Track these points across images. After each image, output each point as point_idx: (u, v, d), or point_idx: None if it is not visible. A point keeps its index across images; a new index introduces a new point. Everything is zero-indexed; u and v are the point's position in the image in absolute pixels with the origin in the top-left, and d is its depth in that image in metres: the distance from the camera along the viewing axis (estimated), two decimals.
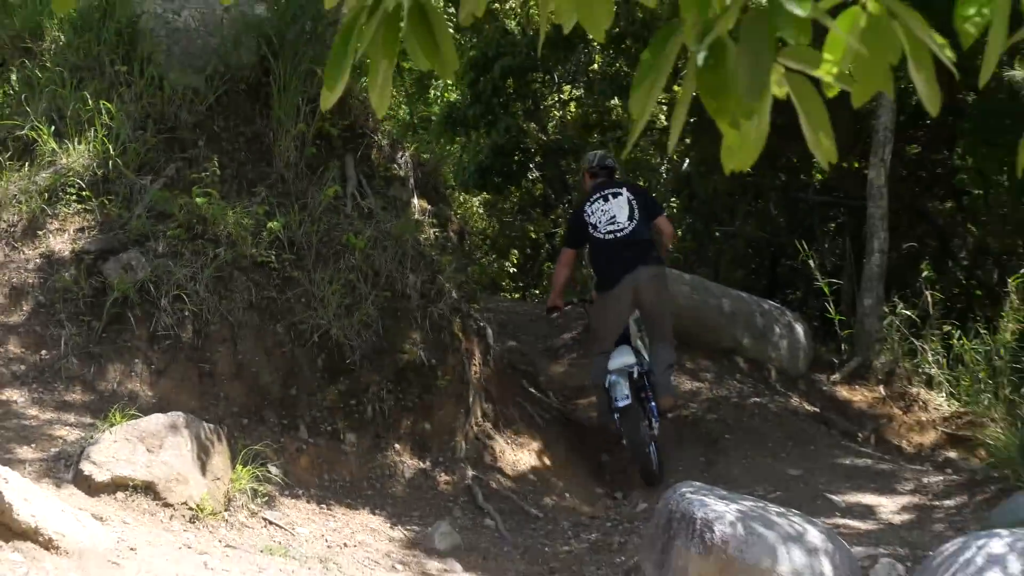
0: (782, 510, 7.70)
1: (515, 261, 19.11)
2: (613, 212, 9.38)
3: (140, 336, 8.69)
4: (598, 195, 9.45)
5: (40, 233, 9.01)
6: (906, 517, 9.34)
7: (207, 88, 9.73)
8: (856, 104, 2.45)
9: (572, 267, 10.22)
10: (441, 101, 20.30)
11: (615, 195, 9.40)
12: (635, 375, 9.08)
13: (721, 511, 7.17)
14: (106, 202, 9.07)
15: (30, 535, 6.29)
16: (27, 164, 9.26)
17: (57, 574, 6.31)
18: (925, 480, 10.13)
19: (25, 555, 6.32)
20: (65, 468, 7.53)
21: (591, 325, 10.48)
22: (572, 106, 19.17)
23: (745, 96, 2.17)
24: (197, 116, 9.69)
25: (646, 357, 9.39)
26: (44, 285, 8.82)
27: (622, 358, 9.09)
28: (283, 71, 9.67)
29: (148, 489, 7.47)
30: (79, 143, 9.24)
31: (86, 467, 7.33)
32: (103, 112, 9.26)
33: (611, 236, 9.32)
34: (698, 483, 8.04)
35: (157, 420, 7.71)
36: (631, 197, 9.37)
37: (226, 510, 7.69)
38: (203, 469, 7.68)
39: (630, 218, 9.29)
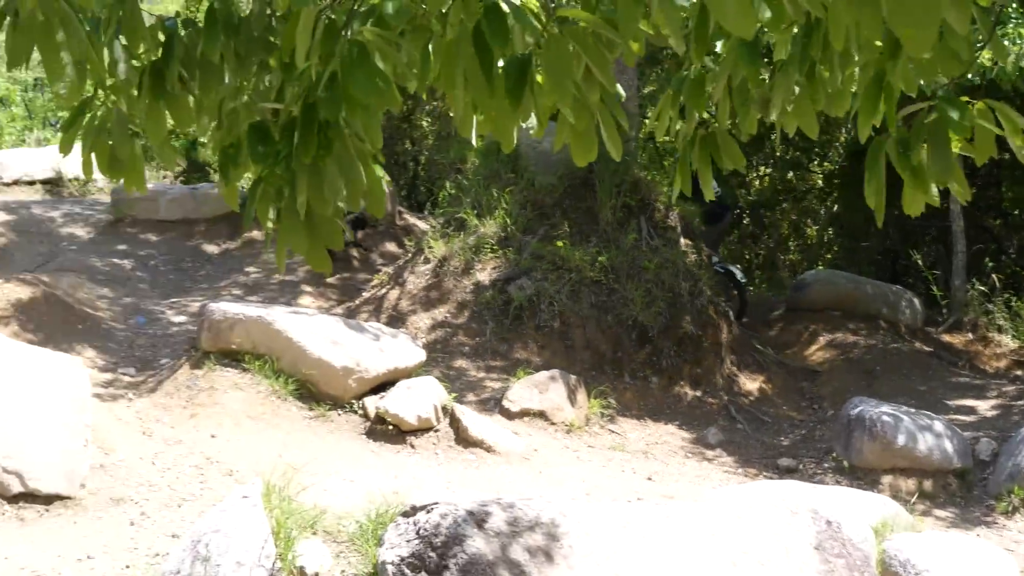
0: (917, 411, 10.74)
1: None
2: None
3: (530, 327, 11.96)
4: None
5: (471, 271, 12.57)
6: (994, 413, 12.09)
7: (559, 183, 13.02)
8: (979, 163, 3.43)
9: None
10: None
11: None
12: None
13: (880, 412, 10.22)
14: (507, 252, 12.53)
15: (478, 444, 9.31)
16: (462, 233, 12.91)
17: (494, 464, 9.08)
18: (1004, 389, 12.97)
19: (475, 455, 9.18)
20: (493, 405, 10.41)
21: None
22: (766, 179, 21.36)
23: (938, 177, 3.19)
24: (554, 199, 13.00)
25: None
26: (476, 300, 12.30)
27: None
28: (601, 171, 12.72)
29: (541, 415, 10.27)
30: (490, 219, 12.83)
31: (505, 403, 10.34)
32: (502, 200, 12.79)
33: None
34: (865, 397, 11.06)
35: (543, 374, 10.70)
36: None
37: (586, 425, 10.54)
38: (572, 402, 10.41)
39: None
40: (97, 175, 13.63)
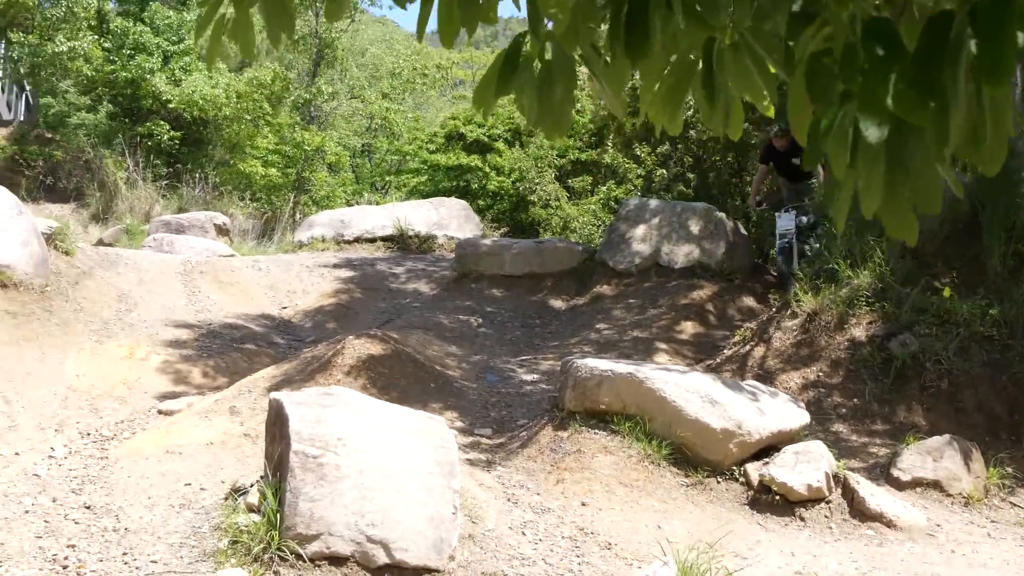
0: None
1: None
2: None
3: (914, 387, 11.08)
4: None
5: (845, 326, 11.79)
6: None
7: (940, 229, 12.09)
8: None
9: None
10: None
11: None
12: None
13: None
14: (884, 305, 11.69)
15: (876, 518, 8.53)
16: (833, 285, 12.09)
17: (897, 542, 8.22)
18: None
19: (874, 531, 8.39)
20: (879, 474, 9.63)
21: None
22: None
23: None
24: (935, 247, 12.11)
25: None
26: (851, 357, 11.51)
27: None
28: (990, 214, 11.82)
29: (935, 485, 9.48)
30: (863, 270, 11.96)
31: (894, 472, 9.59)
32: (877, 249, 11.90)
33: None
34: None
35: (936, 440, 9.81)
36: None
37: (985, 498, 9.61)
38: (968, 470, 9.59)
39: None
40: (435, 231, 13.37)
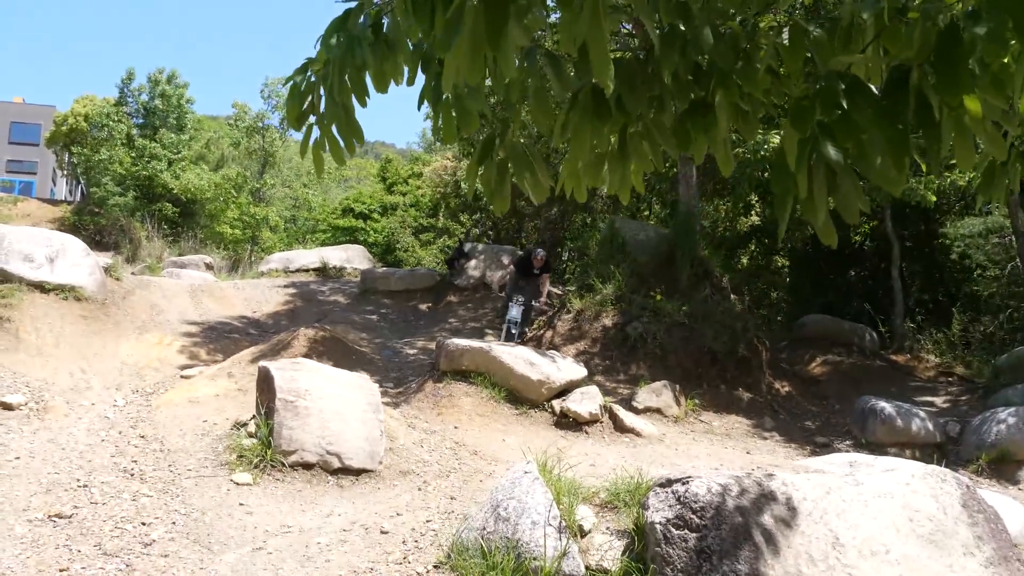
0: (906, 404, 9.56)
1: None
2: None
3: (641, 353, 10.83)
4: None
5: (599, 318, 11.47)
6: (947, 405, 11.18)
7: (651, 259, 12.02)
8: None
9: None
10: None
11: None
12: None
13: (883, 405, 9.27)
14: (622, 305, 11.42)
15: (630, 431, 8.33)
16: (590, 293, 11.75)
17: (643, 444, 8.04)
18: (949, 390, 11.95)
19: (630, 439, 8.24)
20: (625, 405, 9.19)
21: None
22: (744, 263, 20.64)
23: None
24: (650, 270, 11.92)
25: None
26: (604, 337, 11.19)
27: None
28: (681, 252, 11.94)
29: (658, 411, 9.40)
30: (609, 284, 11.69)
31: (635, 403, 9.40)
32: (616, 272, 11.59)
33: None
34: (868, 396, 9.94)
35: (657, 384, 9.73)
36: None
37: (685, 418, 9.63)
38: (676, 402, 9.67)
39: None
40: (345, 264, 12.69)
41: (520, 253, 14.01)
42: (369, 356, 10.90)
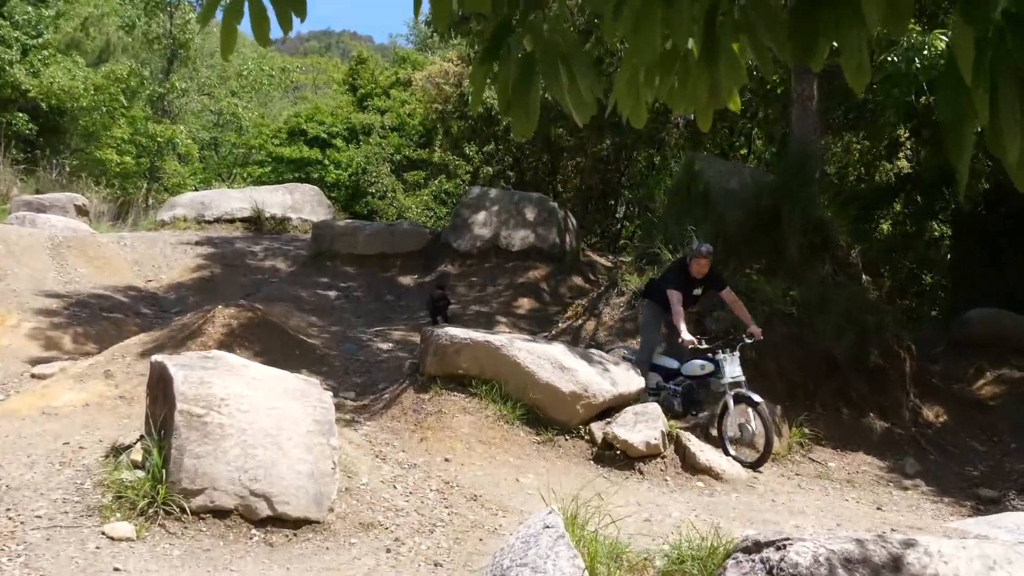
0: None
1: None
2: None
3: None
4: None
5: None
6: None
7: (747, 219, 12.00)
8: None
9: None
10: None
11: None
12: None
13: None
14: None
15: (705, 471, 8.41)
16: (655, 267, 11.69)
17: (724, 492, 8.19)
18: None
19: (704, 483, 8.31)
20: (699, 433, 9.29)
21: None
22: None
23: None
24: (743, 234, 11.90)
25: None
26: (672, 331, 11.27)
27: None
28: (789, 209, 11.82)
29: (749, 445, 9.23)
30: (682, 254, 10.96)
31: (713, 432, 9.40)
32: (693, 235, 11.31)
33: None
34: None
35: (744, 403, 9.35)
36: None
37: (788, 454, 9.83)
38: (776, 432, 9.42)
39: None
40: (290, 213, 12.86)
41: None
42: (321, 351, 10.93)
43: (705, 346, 9.41)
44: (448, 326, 9.31)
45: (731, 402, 9.22)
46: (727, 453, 9.03)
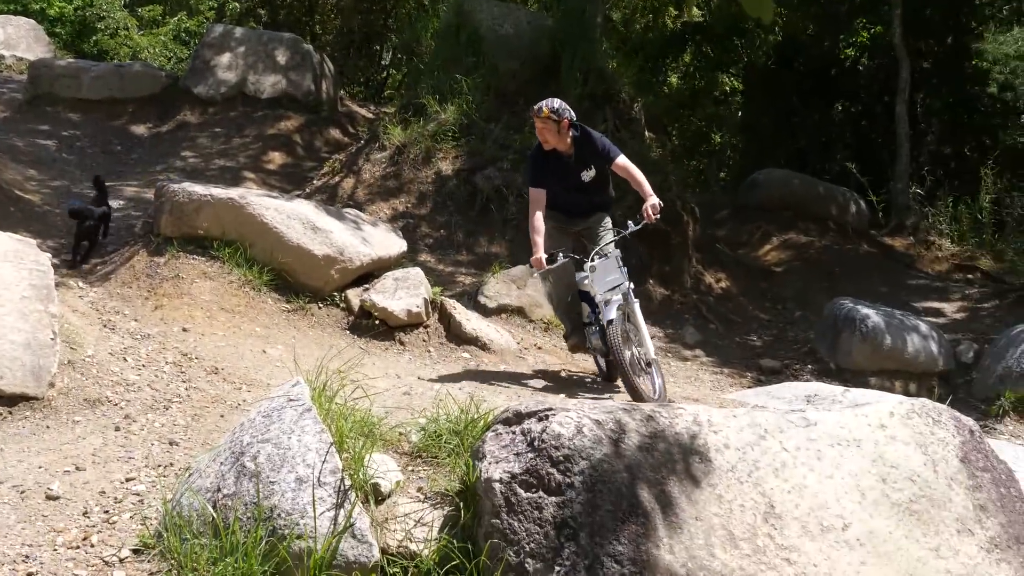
0: (902, 312, 10.43)
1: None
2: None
3: (497, 219, 11.47)
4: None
5: (432, 160, 11.86)
6: (963, 315, 12.01)
7: (522, 69, 12.33)
8: None
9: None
10: None
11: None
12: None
13: (867, 313, 10.02)
14: (470, 141, 11.83)
15: (472, 341, 8.67)
16: (421, 119, 12.12)
17: (492, 364, 8.47)
18: (967, 292, 12.82)
19: (470, 354, 8.58)
20: (467, 301, 9.76)
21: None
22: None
23: None
24: (517, 86, 12.27)
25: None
26: (438, 190, 11.63)
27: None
28: (565, 57, 12.12)
29: (519, 312, 9.82)
30: (451, 105, 12.06)
31: (481, 299, 9.81)
32: (463, 86, 12.04)
33: None
34: (849, 297, 10.71)
35: (519, 269, 10.09)
36: None
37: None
38: (550, 298, 8.89)
39: None
40: (4, 51, 12.33)
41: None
42: (39, 208, 10.69)
43: (561, 260, 7.44)
44: (189, 183, 9.06)
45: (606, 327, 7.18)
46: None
